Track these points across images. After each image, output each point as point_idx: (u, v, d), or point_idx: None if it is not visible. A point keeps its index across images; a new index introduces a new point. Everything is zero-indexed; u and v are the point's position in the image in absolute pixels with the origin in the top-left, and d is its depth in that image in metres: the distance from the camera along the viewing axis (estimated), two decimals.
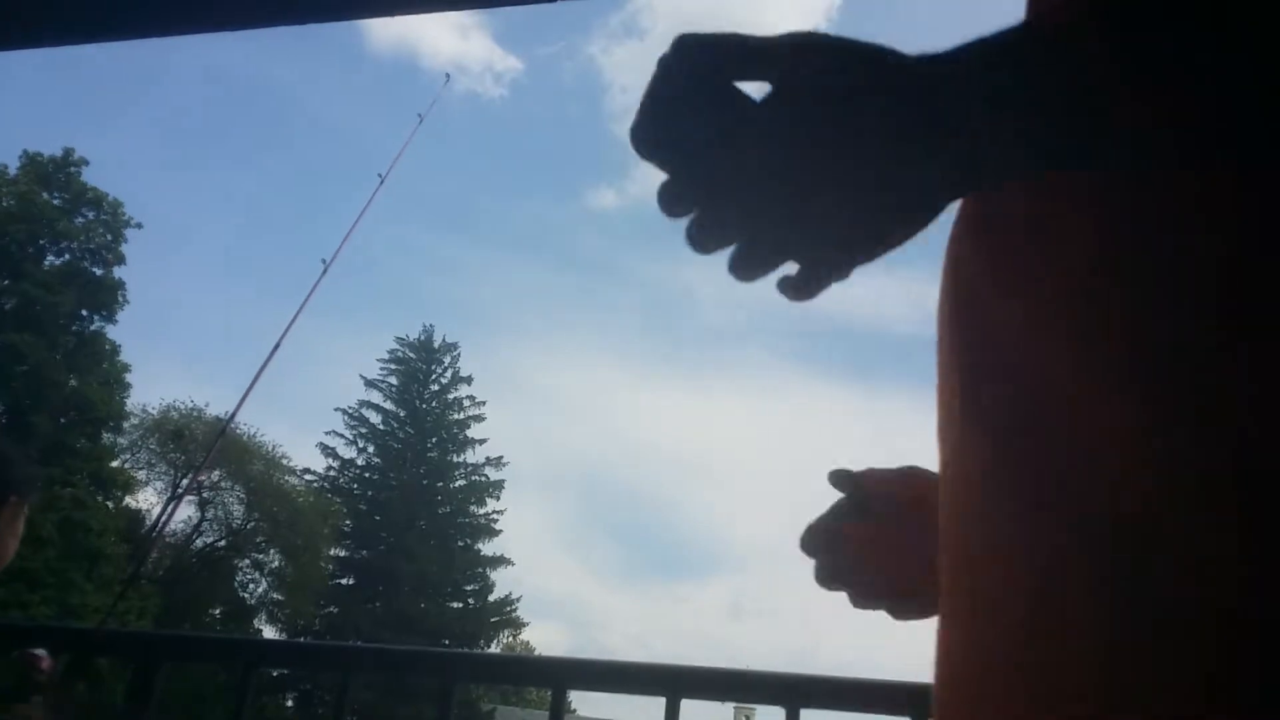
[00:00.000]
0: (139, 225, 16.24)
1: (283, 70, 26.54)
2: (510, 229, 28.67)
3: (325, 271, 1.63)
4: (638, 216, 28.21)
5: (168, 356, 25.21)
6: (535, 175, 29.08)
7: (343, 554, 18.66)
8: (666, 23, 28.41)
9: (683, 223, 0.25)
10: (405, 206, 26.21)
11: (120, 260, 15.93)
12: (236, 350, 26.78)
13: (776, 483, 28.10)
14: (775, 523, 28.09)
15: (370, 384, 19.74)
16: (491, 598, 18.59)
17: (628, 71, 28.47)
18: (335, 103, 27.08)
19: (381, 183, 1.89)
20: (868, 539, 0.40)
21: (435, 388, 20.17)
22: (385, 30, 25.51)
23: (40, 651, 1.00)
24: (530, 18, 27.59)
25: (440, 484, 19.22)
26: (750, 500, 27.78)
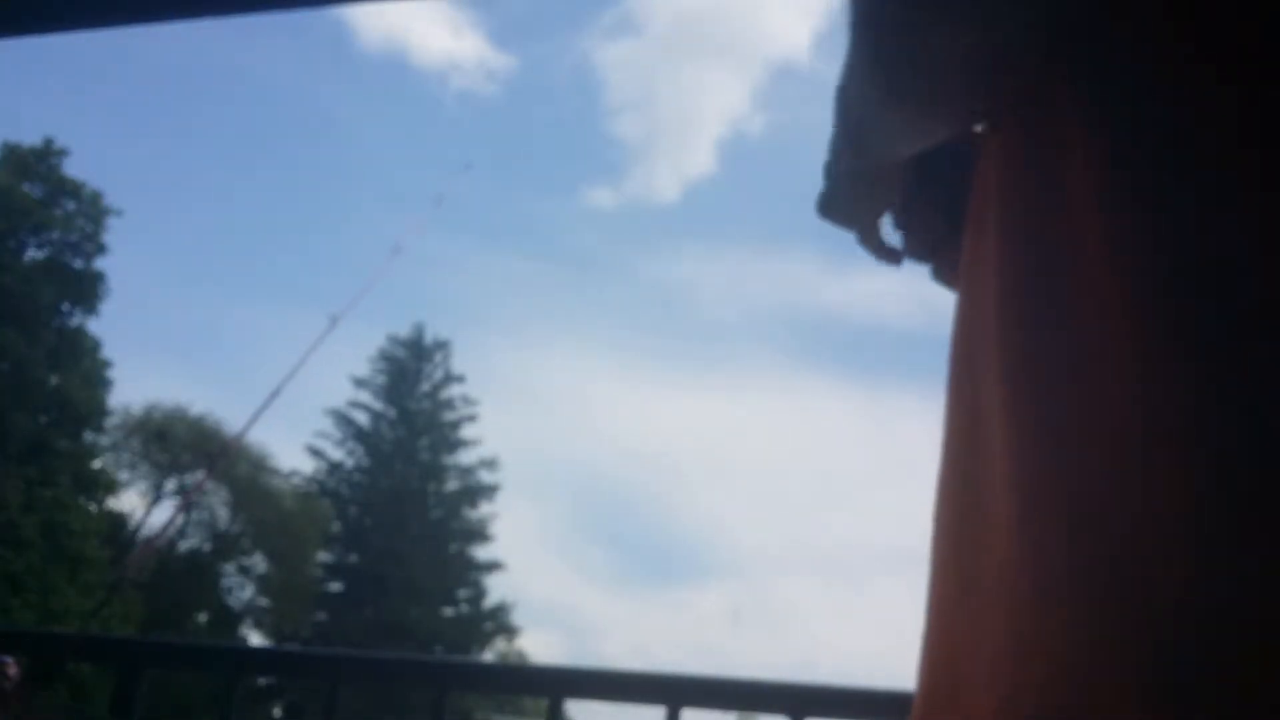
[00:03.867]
0: (119, 213, 16.05)
1: (269, 65, 26.24)
2: (503, 226, 28.44)
3: (332, 327, 1.58)
4: (634, 216, 28.14)
5: (148, 350, 24.83)
6: (530, 173, 28.91)
7: (332, 559, 18.46)
8: (661, 19, 28.39)
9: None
10: (398, 203, 26.06)
11: (101, 251, 15.72)
12: (218, 346, 26.39)
13: (776, 485, 28.02)
14: (776, 527, 28.08)
15: (360, 384, 19.60)
16: (485, 604, 18.44)
17: (624, 69, 28.47)
18: (322, 97, 26.82)
19: (395, 253, 1.84)
20: None
21: (427, 387, 20.01)
22: (375, 27, 25.35)
23: (7, 658, 0.96)
24: (523, 15, 27.49)
25: (432, 487, 19.06)
26: (750, 504, 27.64)
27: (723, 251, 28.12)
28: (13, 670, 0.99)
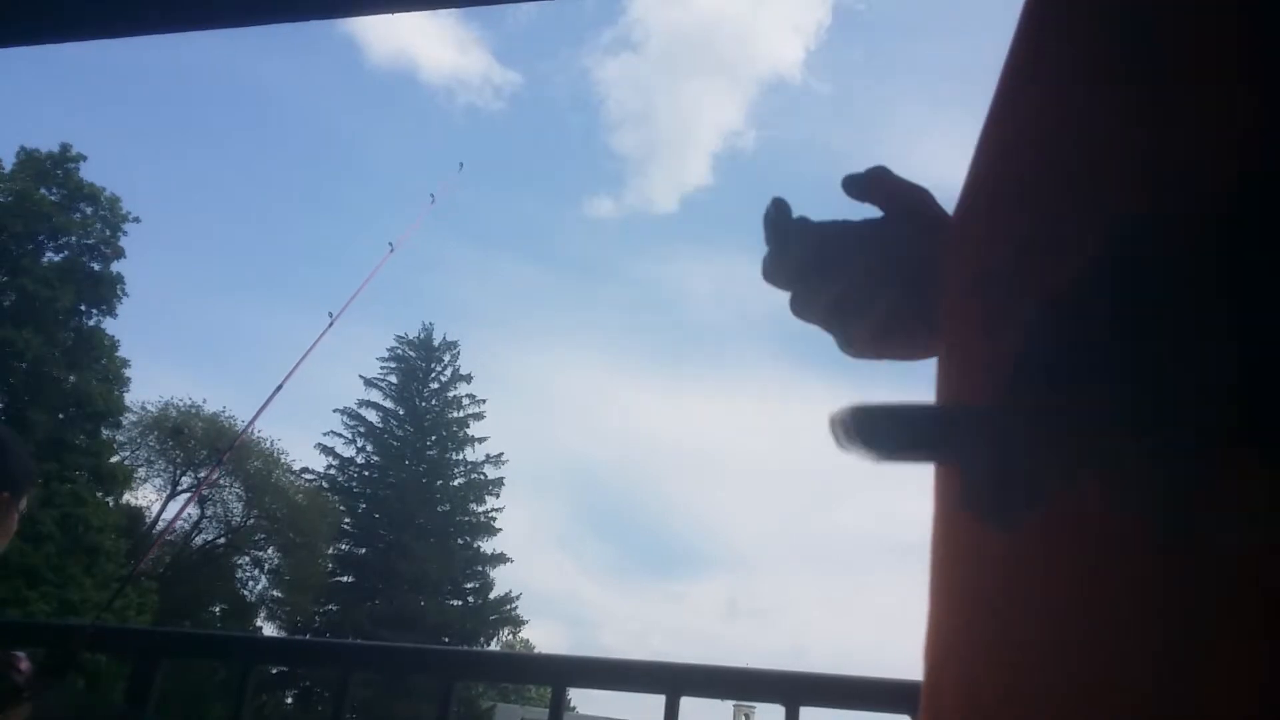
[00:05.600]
0: (137, 219, 16.25)
1: (282, 80, 26.76)
2: (510, 233, 28.92)
3: (330, 325, 1.66)
4: (634, 224, 28.46)
5: (164, 352, 25.31)
6: (534, 183, 29.46)
7: (342, 551, 18.68)
8: (658, 38, 28.76)
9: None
10: (408, 209, 26.22)
11: (119, 255, 15.93)
12: (232, 345, 26.81)
13: (770, 480, 28.32)
14: (770, 521, 28.37)
15: (370, 383, 19.77)
16: (491, 595, 18.62)
17: (623, 85, 28.79)
18: (335, 111, 27.30)
19: (391, 251, 1.92)
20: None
21: (435, 386, 20.17)
22: (384, 45, 25.64)
23: (19, 654, 0.99)
24: (527, 33, 27.87)
25: (440, 482, 19.23)
26: (745, 498, 28.00)
27: (718, 257, 28.42)
28: (24, 665, 1.01)
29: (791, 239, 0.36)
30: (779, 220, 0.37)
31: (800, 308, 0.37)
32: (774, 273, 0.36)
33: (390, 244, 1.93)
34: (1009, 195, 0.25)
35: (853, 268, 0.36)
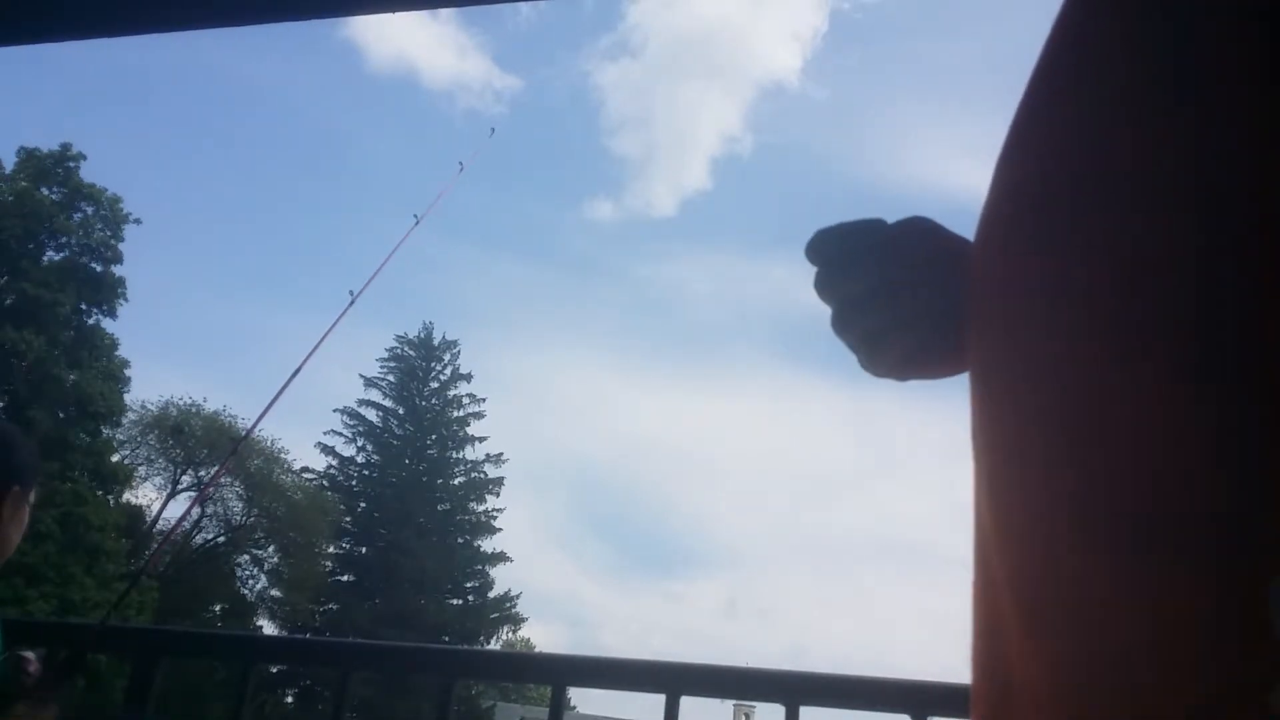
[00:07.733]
0: (138, 221, 16.26)
1: (283, 81, 26.89)
2: (510, 234, 29.08)
3: (351, 304, 1.64)
4: (632, 225, 28.67)
5: (164, 352, 25.37)
6: (534, 185, 29.63)
7: (342, 550, 18.69)
8: (657, 43, 28.95)
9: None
10: (409, 210, 26.24)
11: (119, 257, 15.94)
12: (232, 345, 26.86)
13: (770, 480, 28.43)
14: (770, 521, 28.45)
15: (370, 382, 19.77)
16: (491, 594, 18.64)
17: (622, 89, 29.00)
18: (335, 114, 27.44)
19: (416, 223, 1.89)
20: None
21: (435, 385, 20.18)
22: (384, 49, 25.70)
23: (29, 654, 1.00)
24: (526, 38, 28.00)
25: (440, 481, 19.24)
26: (745, 498, 28.12)
27: (716, 259, 28.64)
28: (32, 667, 1.02)
29: (835, 272, 0.39)
30: (822, 252, 0.39)
31: (838, 330, 0.40)
32: (821, 295, 0.39)
33: (416, 216, 1.91)
34: (1038, 237, 0.25)
35: (888, 310, 0.38)
